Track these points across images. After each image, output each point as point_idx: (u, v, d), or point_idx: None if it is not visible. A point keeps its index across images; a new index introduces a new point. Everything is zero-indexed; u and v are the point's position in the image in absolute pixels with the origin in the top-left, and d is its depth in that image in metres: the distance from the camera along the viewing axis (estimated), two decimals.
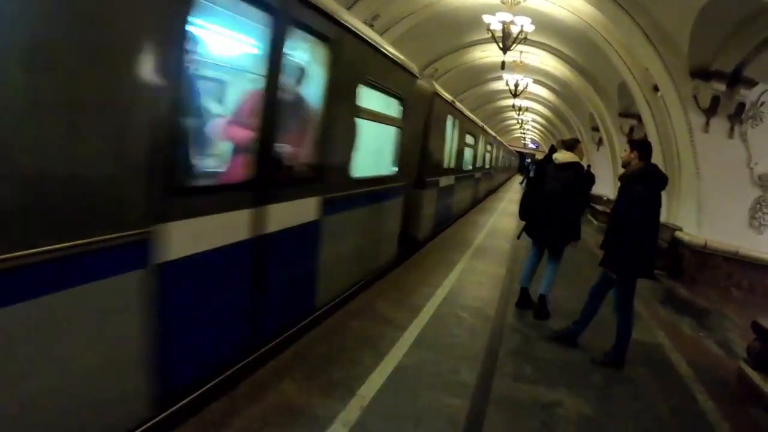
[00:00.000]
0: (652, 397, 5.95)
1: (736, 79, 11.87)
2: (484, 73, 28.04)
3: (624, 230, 6.24)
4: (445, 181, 14.21)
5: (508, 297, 8.76)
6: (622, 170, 6.70)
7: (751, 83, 11.95)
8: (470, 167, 20.15)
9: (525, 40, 17.49)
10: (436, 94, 11.74)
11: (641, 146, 6.52)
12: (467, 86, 29.81)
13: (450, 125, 14.25)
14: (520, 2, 15.74)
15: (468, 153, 18.98)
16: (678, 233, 13.34)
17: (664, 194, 6.37)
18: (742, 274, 12.33)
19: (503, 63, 20.08)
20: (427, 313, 7.41)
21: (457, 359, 6.02)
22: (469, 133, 18.27)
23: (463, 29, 20.30)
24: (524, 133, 65.28)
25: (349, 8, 13.28)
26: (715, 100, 12.07)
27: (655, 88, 14.19)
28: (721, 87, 11.85)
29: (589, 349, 6.89)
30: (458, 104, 15.80)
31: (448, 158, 14.79)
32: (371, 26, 14.96)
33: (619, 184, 6.63)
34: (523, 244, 9.85)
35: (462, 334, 6.86)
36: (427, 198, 12.17)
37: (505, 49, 17.15)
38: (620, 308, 6.60)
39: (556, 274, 8.00)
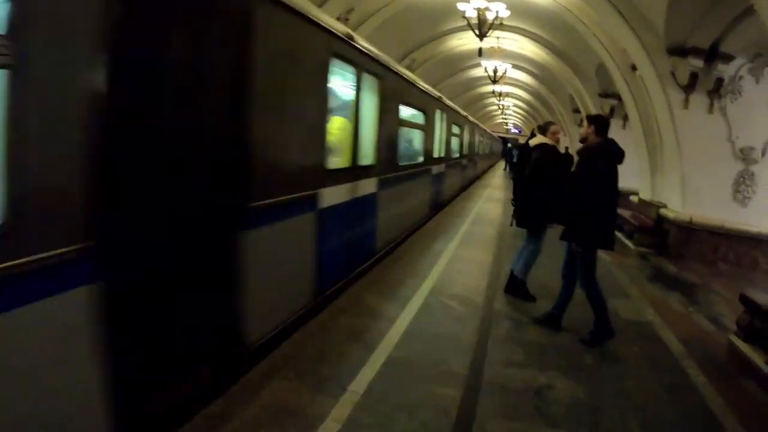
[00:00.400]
0: (644, 375, 5.96)
1: (713, 55, 11.89)
2: (463, 61, 28.04)
3: (583, 203, 6.43)
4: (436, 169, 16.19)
5: (495, 284, 8.74)
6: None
7: (729, 58, 11.98)
8: (458, 155, 21.91)
9: (501, 26, 17.51)
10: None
11: (596, 121, 6.81)
12: (446, 75, 29.82)
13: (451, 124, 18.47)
14: None
15: (458, 142, 21.62)
16: (663, 210, 13.40)
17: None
18: (728, 247, 12.38)
19: (480, 50, 20.10)
20: (415, 304, 7.38)
21: (447, 349, 6.01)
22: (456, 125, 20.25)
23: (438, 18, 20.28)
24: (506, 119, 65.45)
25: (320, 5, 13.18)
26: (694, 76, 12.09)
27: (633, 68, 14.21)
28: (698, 63, 11.87)
29: (576, 329, 6.90)
30: (448, 101, 18.31)
31: (447, 149, 18.32)
32: (346, 20, 14.90)
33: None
34: (511, 231, 9.83)
35: (451, 324, 6.84)
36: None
37: (481, 36, 17.16)
38: (583, 280, 6.73)
39: (533, 257, 7.96)
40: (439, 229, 13.43)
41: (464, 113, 24.34)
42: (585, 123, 6.81)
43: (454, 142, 20.16)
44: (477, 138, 31.52)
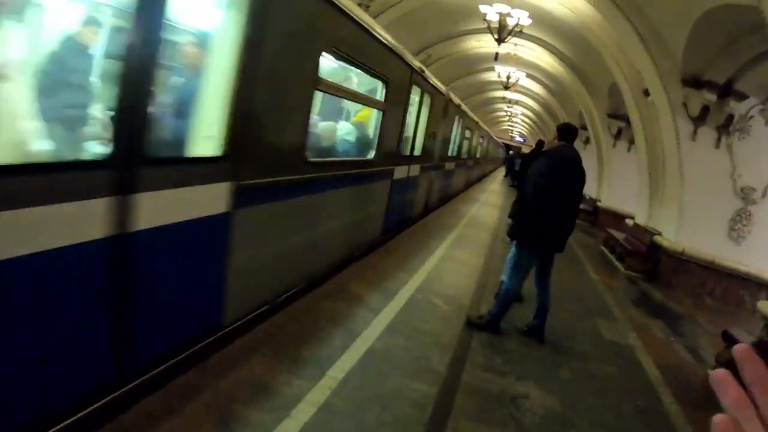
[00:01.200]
0: (618, 395, 6.01)
1: (727, 91, 11.89)
2: (477, 63, 27.98)
3: (520, 201, 6.86)
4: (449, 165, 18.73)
5: (483, 287, 8.78)
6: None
7: (742, 96, 11.99)
8: (466, 156, 24.08)
9: (520, 34, 17.47)
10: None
11: (559, 128, 6.95)
12: (460, 75, 29.75)
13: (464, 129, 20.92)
14: None
15: (467, 145, 23.78)
16: (657, 237, 13.43)
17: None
18: (716, 282, 12.44)
19: (497, 54, 20.03)
20: (402, 297, 7.41)
21: (429, 346, 6.04)
22: (468, 129, 22.24)
23: (458, 17, 20.22)
24: (512, 126, 65.40)
25: None
26: (705, 110, 12.10)
27: (646, 93, 14.20)
28: (711, 97, 11.87)
29: (558, 342, 6.96)
30: (465, 108, 20.63)
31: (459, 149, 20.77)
32: (367, 8, 14.87)
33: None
34: (505, 237, 9.87)
35: (435, 322, 6.88)
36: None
37: (499, 41, 17.12)
38: (507, 271, 6.95)
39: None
40: (434, 228, 13.45)
41: (476, 118, 25.23)
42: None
43: (465, 145, 21.82)
44: (483, 142, 31.91)
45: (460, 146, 20.54)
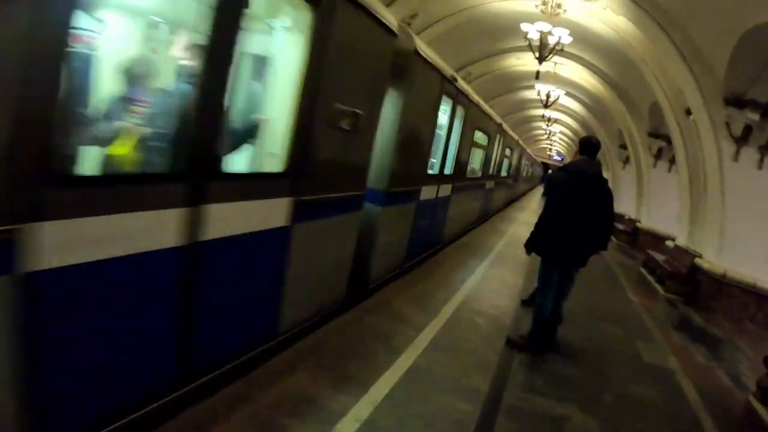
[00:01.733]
0: (659, 420, 5.98)
1: None
2: (517, 81, 27.91)
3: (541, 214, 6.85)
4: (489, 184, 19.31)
5: (524, 307, 8.77)
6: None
7: None
8: (506, 174, 24.49)
9: (561, 52, 17.43)
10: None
11: (580, 142, 7.04)
12: (499, 92, 29.71)
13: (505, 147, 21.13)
14: (560, 13, 15.66)
15: (507, 163, 24.15)
16: (698, 260, 13.27)
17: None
18: (758, 306, 12.21)
19: (537, 73, 19.99)
20: (444, 315, 7.47)
21: (471, 365, 6.09)
22: (508, 148, 22.91)
23: (499, 35, 20.22)
24: (551, 145, 64.96)
25: (388, 5, 13.29)
26: (748, 130, 11.95)
27: (688, 112, 14.08)
28: (755, 116, 11.73)
29: (598, 365, 6.93)
30: (506, 126, 20.99)
31: (499, 168, 21.02)
32: (408, 24, 14.98)
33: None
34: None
35: (477, 340, 6.92)
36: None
37: (541, 59, 17.10)
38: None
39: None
40: (474, 247, 13.48)
41: (516, 137, 25.62)
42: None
43: (505, 163, 22.12)
44: (522, 161, 31.87)
45: (500, 165, 20.60)
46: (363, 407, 4.65)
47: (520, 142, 28.58)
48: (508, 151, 22.61)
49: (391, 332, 6.43)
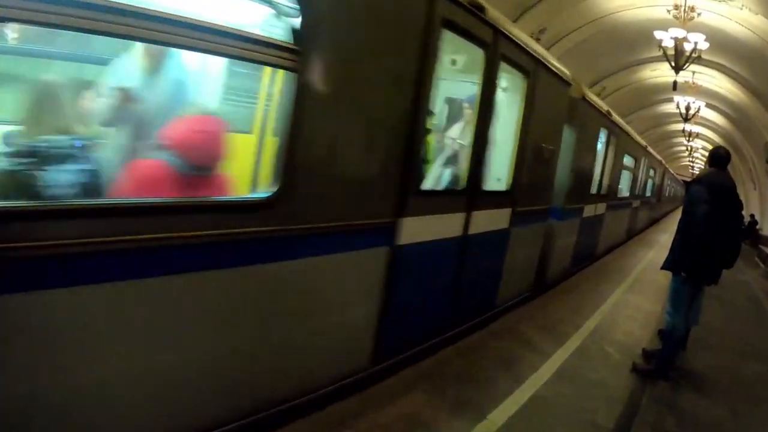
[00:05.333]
0: None
1: None
2: (653, 94, 26.97)
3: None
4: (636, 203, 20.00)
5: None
6: None
7: None
8: (650, 194, 24.53)
9: (699, 60, 16.54)
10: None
11: (710, 154, 6.82)
12: (635, 108, 28.74)
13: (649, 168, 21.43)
14: (694, 17, 14.92)
15: (651, 184, 24.19)
16: None
17: None
18: None
19: (675, 83, 19.06)
20: (572, 343, 6.94)
21: (597, 398, 5.59)
22: (652, 168, 23.15)
23: (632, 46, 19.65)
24: (693, 161, 61.99)
25: (515, 21, 13.01)
26: None
27: None
28: None
29: (736, 405, 6.14)
30: (650, 149, 21.39)
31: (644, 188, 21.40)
32: (537, 40, 14.63)
33: None
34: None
35: (606, 371, 6.38)
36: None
37: (677, 68, 16.43)
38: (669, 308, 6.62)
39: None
40: (610, 271, 12.80)
41: (658, 156, 25.54)
42: None
43: (649, 183, 22.35)
44: (665, 180, 30.79)
45: (644, 185, 20.91)
46: None
47: (663, 162, 27.67)
48: (651, 172, 22.70)
49: (515, 358, 6.09)
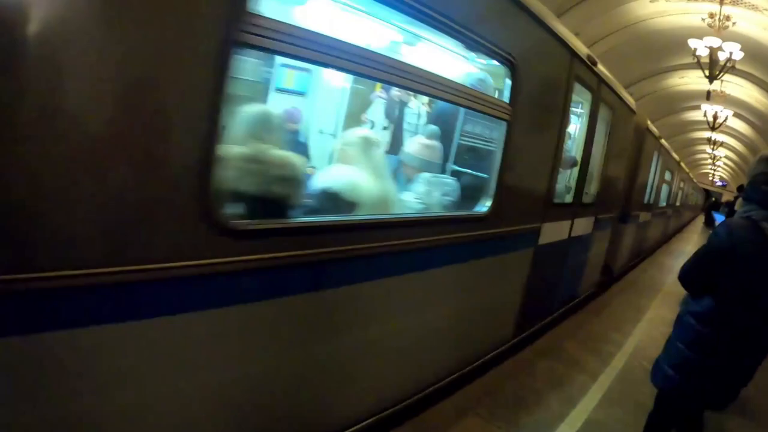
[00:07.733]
0: None
1: None
2: (681, 101, 26.75)
3: None
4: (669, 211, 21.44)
5: None
6: None
7: None
8: (678, 203, 25.70)
9: (732, 69, 16.28)
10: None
11: (740, 189, 7.04)
12: (662, 114, 28.48)
13: (680, 181, 23.05)
14: (728, 26, 14.63)
15: (679, 193, 25.39)
16: None
17: None
18: None
19: (708, 93, 18.86)
20: (617, 363, 6.77)
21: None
22: (682, 180, 24.61)
23: (663, 53, 19.46)
24: (714, 170, 61.44)
25: None
26: None
27: None
28: None
29: None
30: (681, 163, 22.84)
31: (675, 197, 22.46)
32: None
33: None
34: None
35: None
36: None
37: (711, 78, 16.15)
38: None
39: None
40: (641, 284, 12.60)
41: (687, 169, 27.55)
42: None
43: (680, 194, 24.09)
44: (689, 190, 30.93)
45: (677, 195, 22.49)
46: None
47: (691, 175, 28.77)
48: (682, 184, 24.49)
49: (564, 379, 5.90)
